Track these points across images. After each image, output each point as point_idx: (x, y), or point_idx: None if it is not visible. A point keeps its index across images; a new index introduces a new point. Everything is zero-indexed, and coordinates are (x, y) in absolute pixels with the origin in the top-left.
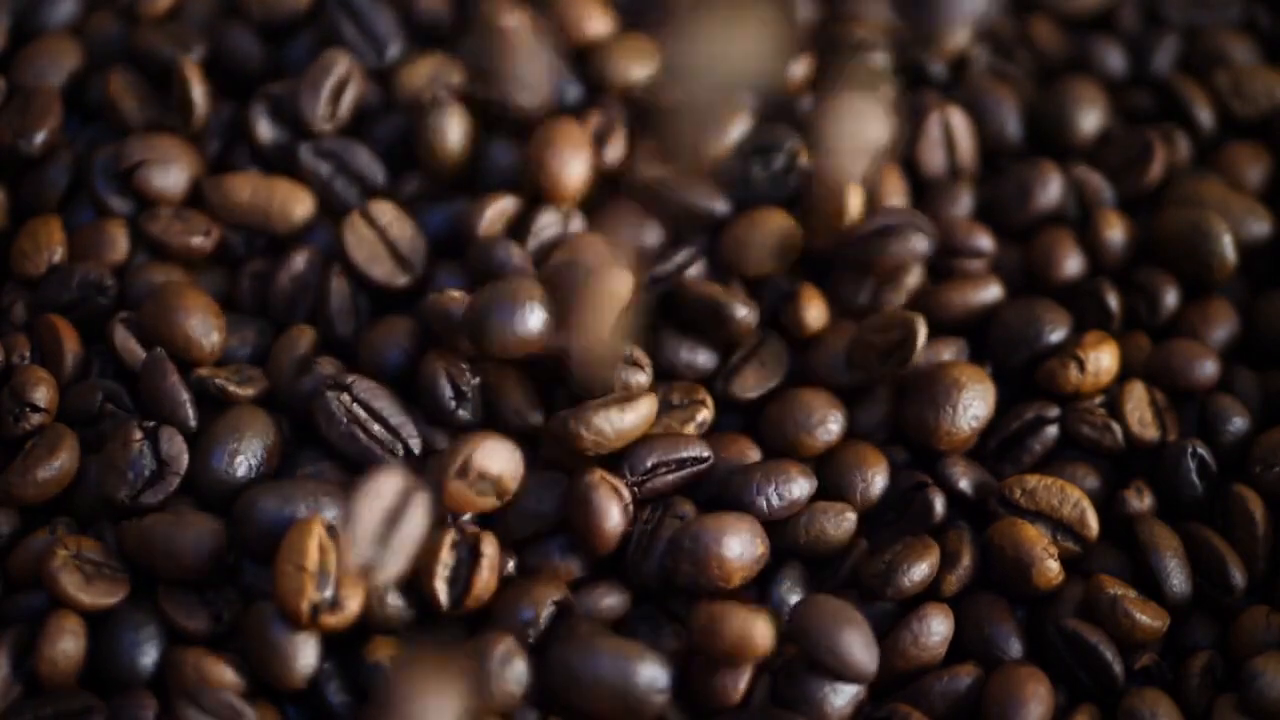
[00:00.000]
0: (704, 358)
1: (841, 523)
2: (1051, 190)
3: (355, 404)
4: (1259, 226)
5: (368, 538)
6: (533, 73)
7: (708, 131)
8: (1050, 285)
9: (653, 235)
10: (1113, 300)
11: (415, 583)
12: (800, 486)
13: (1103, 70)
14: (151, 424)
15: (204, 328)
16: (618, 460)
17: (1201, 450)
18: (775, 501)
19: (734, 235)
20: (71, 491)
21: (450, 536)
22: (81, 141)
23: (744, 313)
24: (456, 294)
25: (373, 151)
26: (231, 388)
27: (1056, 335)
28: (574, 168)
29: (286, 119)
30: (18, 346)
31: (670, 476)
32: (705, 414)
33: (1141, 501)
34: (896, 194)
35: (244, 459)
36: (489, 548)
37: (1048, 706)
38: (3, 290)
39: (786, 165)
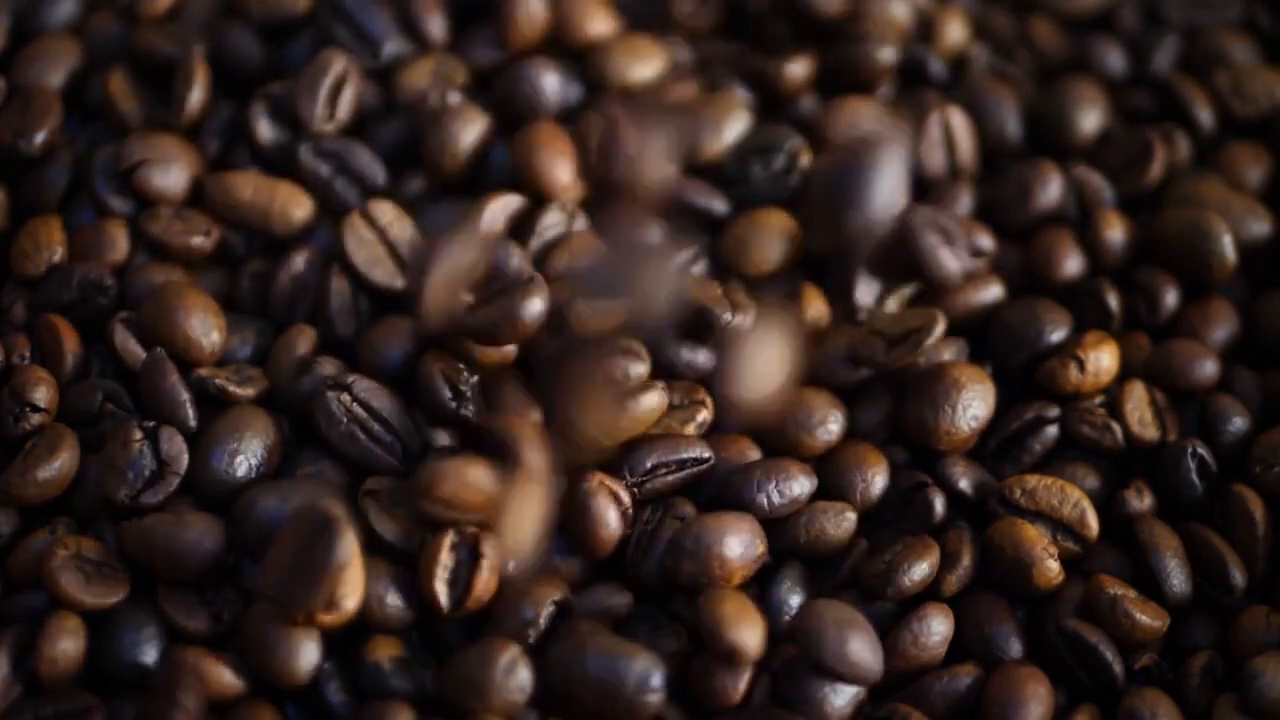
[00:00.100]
0: (704, 358)
1: (841, 522)
2: (1051, 190)
3: (355, 404)
4: (1259, 226)
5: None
6: None
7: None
8: (1050, 285)
9: (654, 236)
10: (1113, 300)
11: (415, 584)
12: (801, 484)
13: (1103, 70)
14: (151, 424)
15: (204, 328)
16: (617, 461)
17: (1201, 450)
18: (776, 499)
19: (734, 235)
20: (71, 491)
21: (449, 538)
22: (81, 141)
23: (730, 319)
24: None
25: (374, 152)
26: (231, 388)
27: (1057, 335)
28: (560, 162)
29: (286, 119)
30: (18, 346)
31: (670, 477)
32: (705, 414)
33: (1141, 501)
34: None
35: (244, 459)
36: (489, 549)
37: (1048, 706)
38: (3, 290)
39: (786, 165)
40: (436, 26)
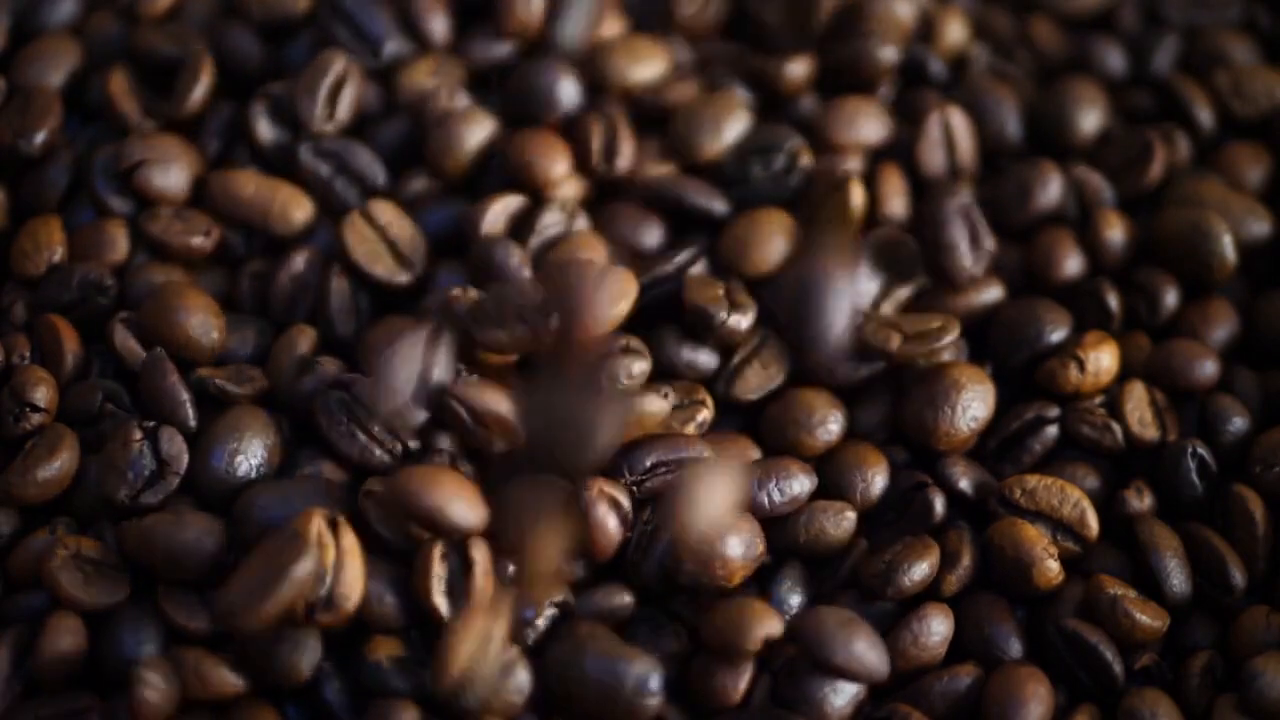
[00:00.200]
0: (704, 357)
1: (841, 522)
2: (1051, 190)
3: (355, 403)
4: (1259, 226)
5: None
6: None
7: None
8: (1050, 285)
9: (654, 235)
10: (1113, 300)
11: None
12: (801, 483)
13: (1103, 70)
14: (151, 424)
15: (204, 327)
16: (617, 460)
17: (1201, 450)
18: (776, 497)
19: (734, 235)
20: (71, 491)
21: (438, 549)
22: (81, 141)
23: (729, 319)
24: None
25: (374, 152)
26: (231, 387)
27: (1056, 335)
28: (555, 159)
29: (286, 119)
30: (18, 346)
31: (670, 476)
32: (705, 414)
33: (1141, 501)
34: (897, 194)
35: (244, 459)
36: (478, 553)
37: (1048, 706)
38: (3, 290)
39: (786, 165)
40: (438, 26)
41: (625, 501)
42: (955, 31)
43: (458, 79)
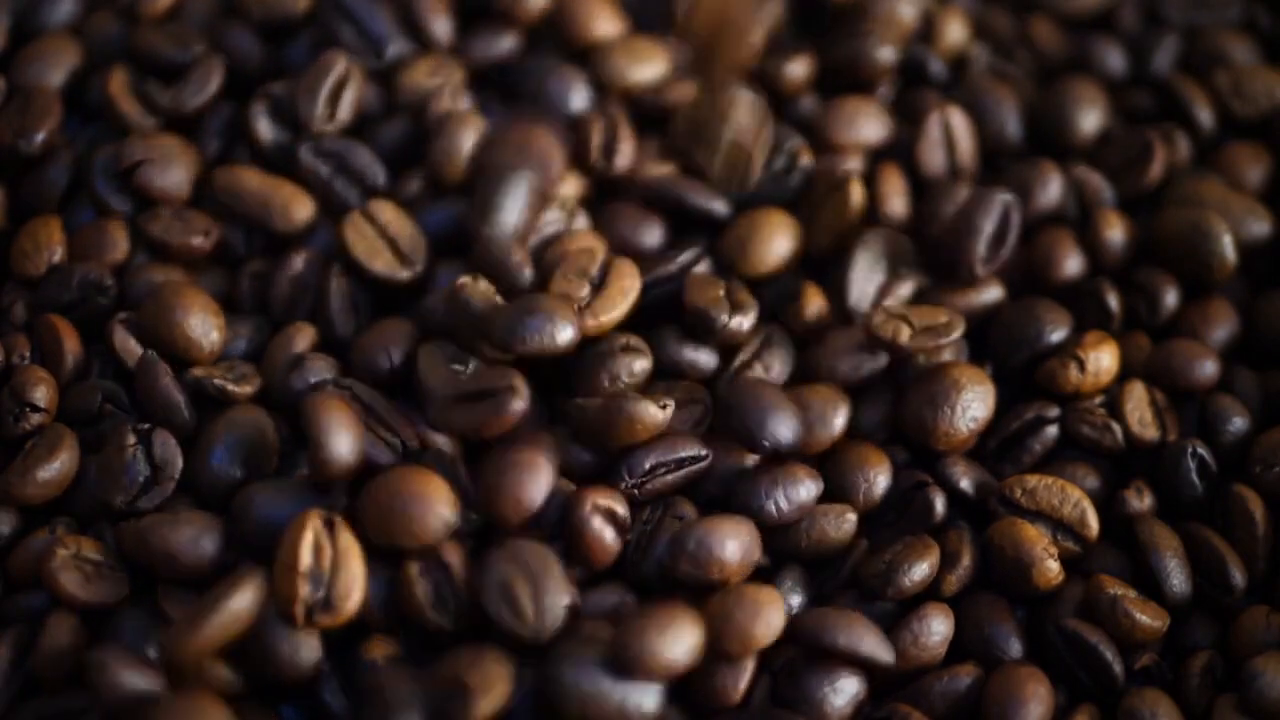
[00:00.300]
0: (705, 357)
1: (842, 525)
2: (1051, 190)
3: (353, 401)
4: (1259, 226)
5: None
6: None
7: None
8: (1050, 285)
9: (654, 235)
10: (1113, 300)
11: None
12: (807, 489)
13: (1103, 70)
14: (145, 427)
15: (204, 327)
16: (615, 464)
17: (1201, 450)
18: (784, 506)
19: (734, 235)
20: (71, 492)
21: (414, 568)
22: (81, 141)
23: (730, 322)
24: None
25: (374, 152)
26: (230, 387)
27: (1057, 335)
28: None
29: (286, 119)
30: (18, 346)
31: (669, 477)
32: (704, 413)
33: (1141, 501)
34: (897, 194)
35: (242, 458)
36: (453, 557)
37: (1048, 706)
38: (3, 290)
39: (787, 165)
40: (441, 27)
41: (621, 509)
42: (955, 31)
43: (460, 79)
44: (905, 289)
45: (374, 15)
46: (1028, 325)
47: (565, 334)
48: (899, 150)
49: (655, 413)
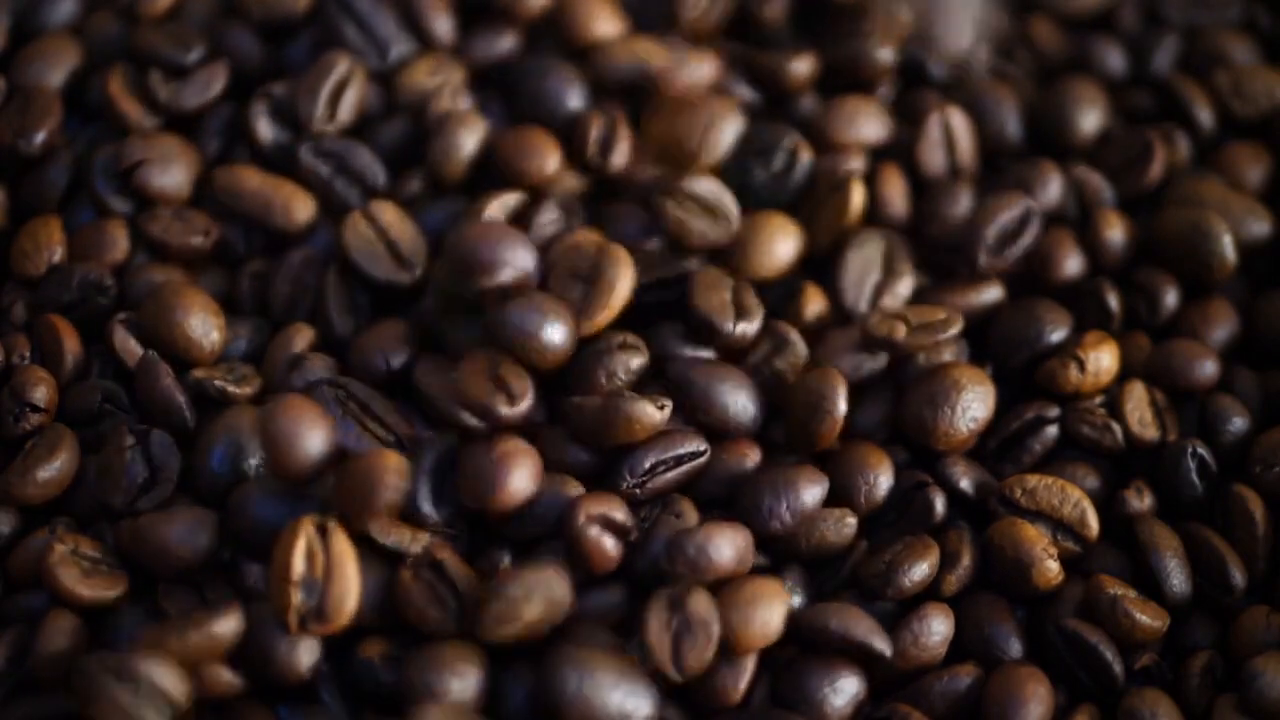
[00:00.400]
0: (707, 357)
1: (842, 528)
2: (1051, 190)
3: (351, 400)
4: (1259, 226)
5: None
6: None
7: None
8: (1050, 285)
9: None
10: (1113, 300)
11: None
12: (811, 494)
13: (1103, 70)
14: (143, 428)
15: (204, 328)
16: (616, 466)
17: (1201, 450)
18: (788, 519)
19: (738, 238)
20: (71, 491)
21: (409, 574)
22: (81, 141)
23: (735, 329)
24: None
25: (374, 152)
26: (231, 389)
27: (1056, 335)
28: (546, 156)
29: (286, 119)
30: (18, 346)
31: (670, 474)
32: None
33: (1141, 501)
34: (897, 194)
35: (242, 458)
36: (446, 555)
37: (1048, 706)
38: (3, 290)
39: (787, 165)
40: (442, 26)
41: (619, 514)
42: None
43: (460, 79)
44: (904, 288)
45: (379, 16)
46: (1028, 325)
47: (558, 334)
48: (899, 150)
49: (653, 413)
